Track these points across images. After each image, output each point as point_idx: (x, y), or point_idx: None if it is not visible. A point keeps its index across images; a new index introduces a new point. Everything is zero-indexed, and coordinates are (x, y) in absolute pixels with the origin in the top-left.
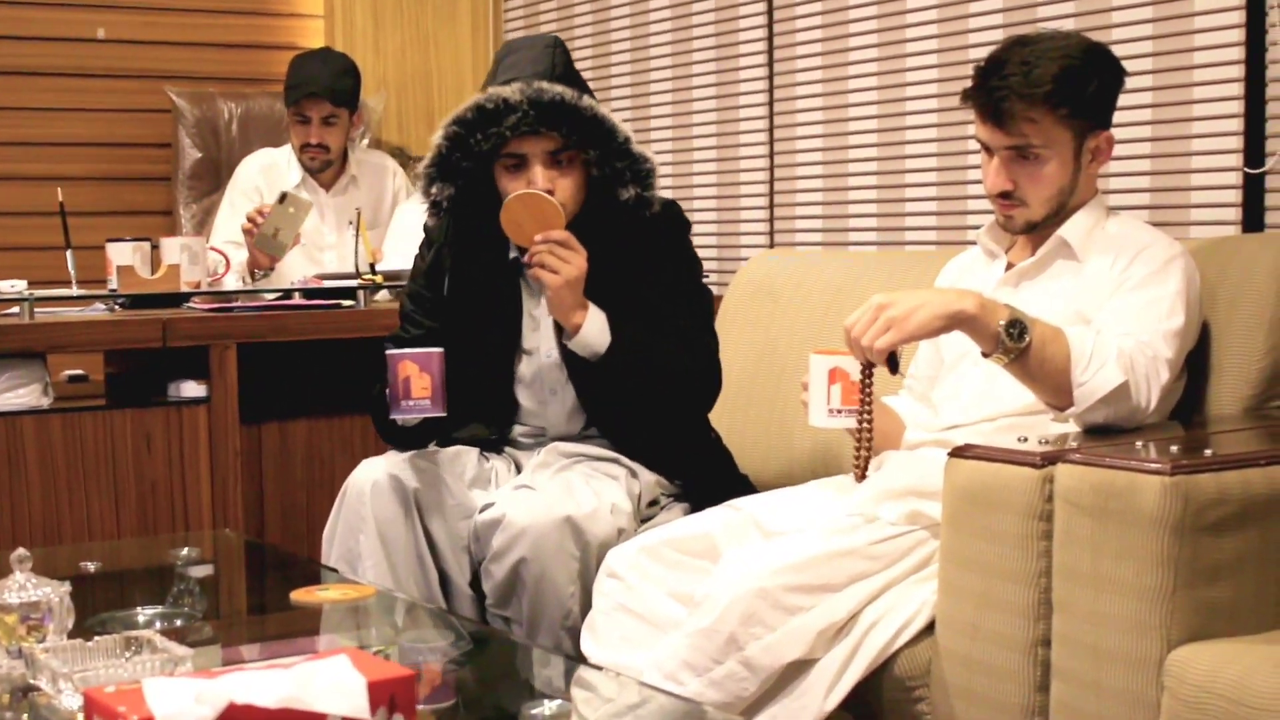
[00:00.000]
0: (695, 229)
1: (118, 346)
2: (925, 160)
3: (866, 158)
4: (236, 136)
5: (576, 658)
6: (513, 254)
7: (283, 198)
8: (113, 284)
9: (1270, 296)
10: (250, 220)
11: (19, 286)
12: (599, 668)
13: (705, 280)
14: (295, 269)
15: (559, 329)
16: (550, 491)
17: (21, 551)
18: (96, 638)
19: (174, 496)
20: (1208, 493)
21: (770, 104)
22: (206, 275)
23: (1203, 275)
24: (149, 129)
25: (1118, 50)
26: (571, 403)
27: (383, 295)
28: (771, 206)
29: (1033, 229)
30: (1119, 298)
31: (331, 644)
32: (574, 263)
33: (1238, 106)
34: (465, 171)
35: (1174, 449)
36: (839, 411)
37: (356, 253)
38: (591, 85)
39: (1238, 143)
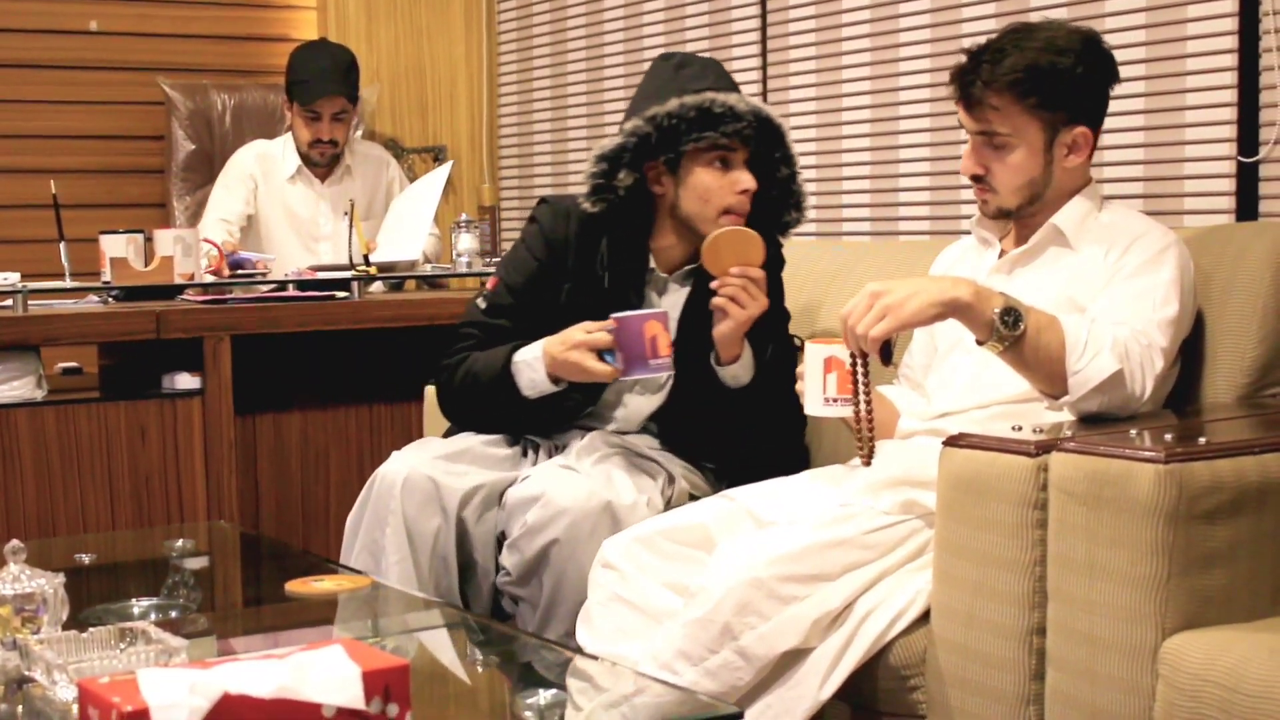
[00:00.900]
0: None
1: (112, 339)
2: (918, 150)
3: (860, 147)
4: (230, 128)
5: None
6: (651, 264)
7: None
8: (106, 276)
9: (1264, 285)
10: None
11: (12, 279)
12: (595, 658)
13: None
14: (290, 260)
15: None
16: (593, 476)
17: (16, 543)
18: (91, 629)
19: (168, 488)
20: (1202, 481)
21: (764, 94)
22: (200, 267)
23: (1196, 264)
24: (142, 121)
25: (1110, 39)
26: (657, 405)
27: (377, 286)
28: None
29: (1006, 216)
30: (1113, 287)
31: (326, 634)
32: (759, 301)
33: (1231, 95)
34: (640, 167)
35: (1168, 437)
36: (835, 400)
37: (351, 244)
38: (584, 80)
39: (1231, 131)
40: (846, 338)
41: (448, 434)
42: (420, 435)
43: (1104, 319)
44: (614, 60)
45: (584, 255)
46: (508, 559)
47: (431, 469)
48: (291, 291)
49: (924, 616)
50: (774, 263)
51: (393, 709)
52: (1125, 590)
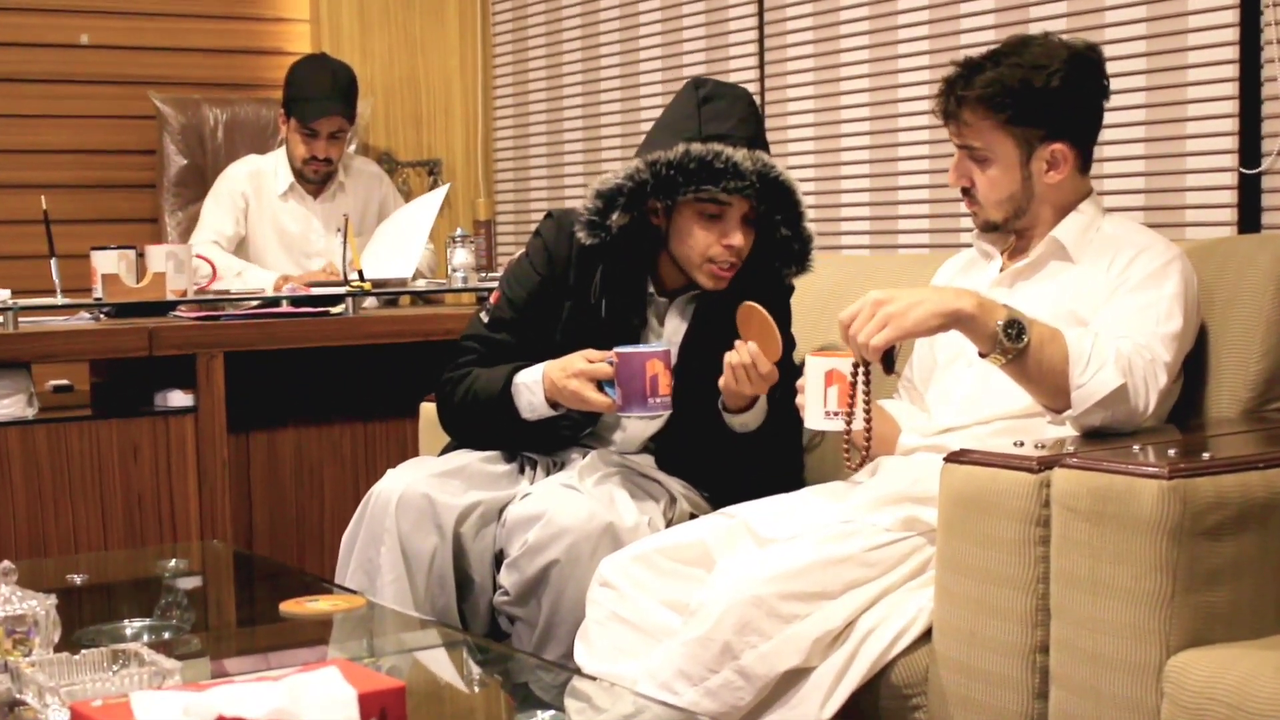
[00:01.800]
0: None
1: (103, 356)
2: (918, 162)
3: (859, 160)
4: (222, 143)
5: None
6: (650, 290)
7: None
8: (98, 293)
9: (1267, 298)
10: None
11: (3, 296)
12: (593, 678)
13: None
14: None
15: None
16: (595, 497)
17: (7, 564)
18: (83, 651)
19: (161, 507)
20: (1206, 496)
21: (761, 105)
22: (192, 283)
23: (1199, 277)
24: (134, 136)
25: (1110, 50)
26: (657, 428)
27: (370, 302)
28: None
29: (995, 229)
30: (1116, 300)
31: (321, 655)
32: (757, 387)
33: (1232, 106)
34: (639, 205)
35: (1172, 452)
36: (835, 414)
37: (344, 259)
38: (580, 91)
39: (1233, 143)
40: (848, 344)
41: (445, 450)
42: (415, 452)
43: (1106, 333)
44: (610, 72)
45: (584, 276)
46: (506, 578)
47: (427, 486)
48: (285, 308)
49: (926, 635)
50: (780, 290)
51: None
52: (1129, 607)
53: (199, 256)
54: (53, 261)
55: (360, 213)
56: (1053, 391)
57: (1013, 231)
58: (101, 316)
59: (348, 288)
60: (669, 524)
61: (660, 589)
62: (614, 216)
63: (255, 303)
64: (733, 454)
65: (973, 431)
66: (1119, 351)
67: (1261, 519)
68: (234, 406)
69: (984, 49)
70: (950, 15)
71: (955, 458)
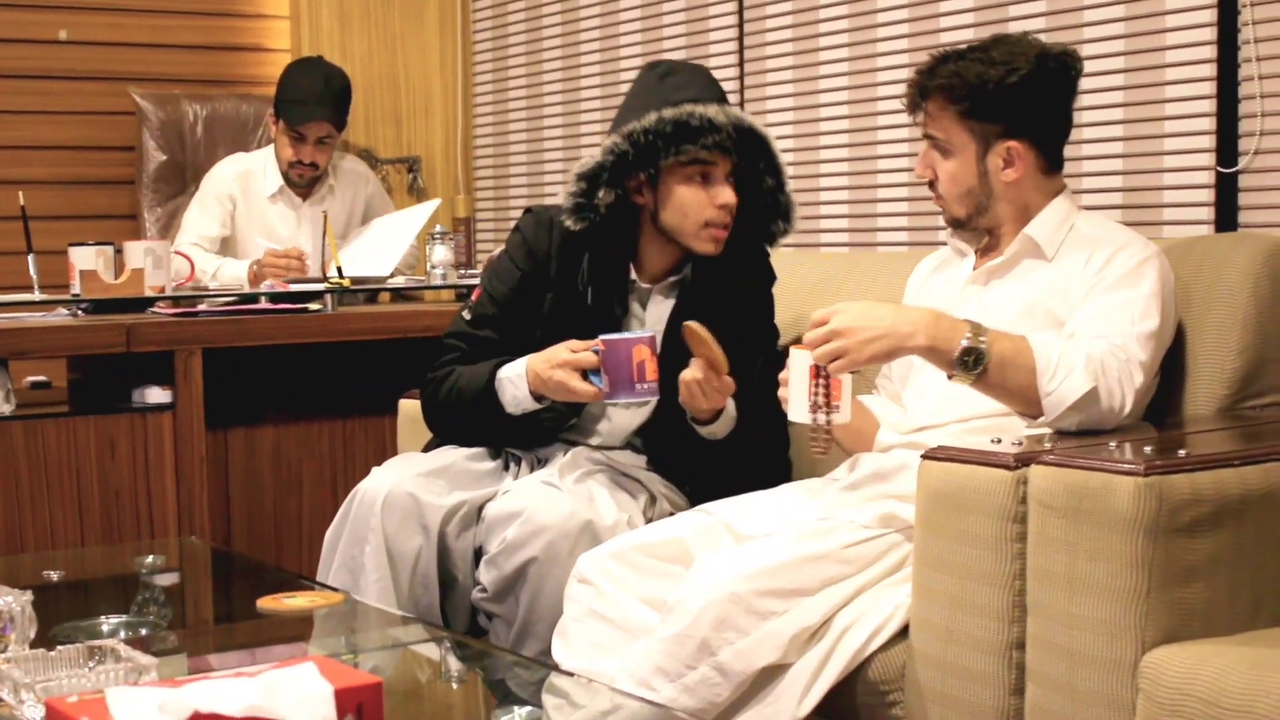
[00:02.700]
0: None
1: (81, 352)
2: (897, 160)
3: (838, 158)
4: (202, 139)
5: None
6: (633, 277)
7: None
8: (75, 289)
9: (1243, 296)
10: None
11: None
12: (571, 674)
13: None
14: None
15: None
16: (575, 495)
17: None
18: (60, 647)
19: (139, 504)
20: (1182, 493)
21: (741, 104)
22: (171, 280)
23: (1176, 275)
24: (113, 132)
25: (1088, 49)
26: (642, 420)
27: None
28: None
29: (960, 225)
30: (1092, 299)
31: (299, 652)
32: (713, 401)
33: (1210, 105)
34: (621, 182)
35: (1148, 449)
36: (821, 407)
37: (324, 255)
38: (560, 89)
39: (1210, 141)
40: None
41: (428, 447)
42: (394, 450)
43: (1083, 332)
44: (590, 69)
45: (567, 267)
46: (485, 575)
47: (413, 486)
48: (264, 304)
49: (903, 631)
50: (763, 277)
51: None
52: (1105, 604)
53: (177, 253)
54: (30, 257)
55: (348, 213)
56: (1025, 401)
57: (980, 229)
58: (79, 313)
59: (326, 284)
60: (648, 522)
61: (638, 585)
62: (600, 195)
63: (233, 299)
64: (711, 458)
65: (950, 430)
66: (1089, 355)
67: (1237, 516)
68: (212, 403)
69: (962, 46)
70: (930, 14)
71: (932, 454)
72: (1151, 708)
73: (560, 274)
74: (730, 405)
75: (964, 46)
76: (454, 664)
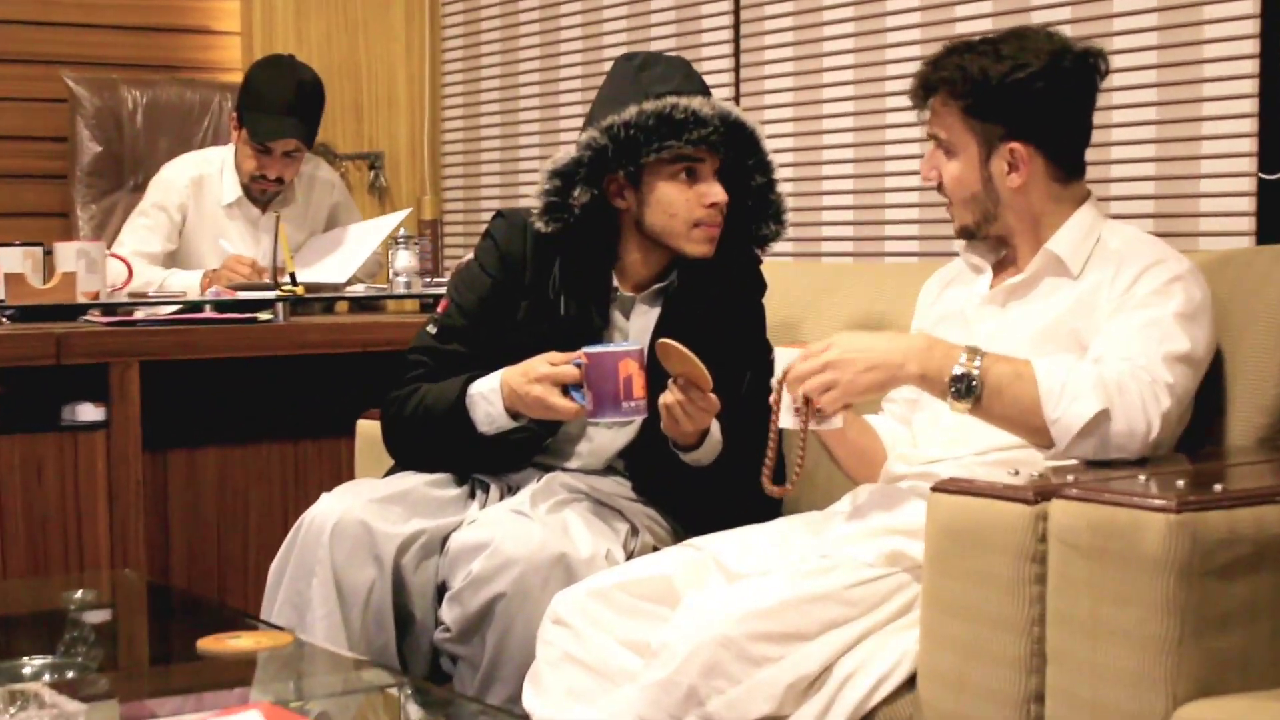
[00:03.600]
0: None
1: (6, 364)
2: (907, 162)
3: (842, 159)
4: (142, 129)
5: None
6: (615, 283)
7: None
8: (0, 294)
9: None
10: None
11: None
12: None
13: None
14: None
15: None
16: (548, 524)
17: None
18: None
19: (68, 532)
20: (1218, 532)
21: (736, 99)
22: (106, 285)
23: (1213, 292)
24: (42, 120)
25: (1119, 42)
26: (626, 441)
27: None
28: None
29: (970, 235)
30: (1118, 318)
31: (243, 698)
32: (697, 421)
33: (1252, 105)
34: (599, 182)
35: (1180, 484)
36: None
37: (275, 259)
38: (538, 79)
39: (1251, 145)
40: (788, 386)
41: (389, 473)
42: (351, 474)
43: (1107, 355)
44: (571, 59)
45: (542, 273)
46: (448, 613)
47: (365, 513)
48: (208, 313)
49: (910, 681)
50: (753, 285)
51: None
52: (1133, 653)
53: (113, 255)
54: None
55: (309, 223)
56: (1031, 430)
57: (992, 238)
58: (3, 320)
59: (278, 292)
60: (629, 557)
61: (619, 627)
62: (575, 194)
63: (175, 307)
64: (698, 486)
65: (964, 462)
66: (1101, 376)
67: (1278, 557)
68: (150, 422)
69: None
70: (944, 2)
71: (944, 487)
72: None
73: (535, 281)
74: (715, 429)
75: (978, 38)
76: (413, 712)
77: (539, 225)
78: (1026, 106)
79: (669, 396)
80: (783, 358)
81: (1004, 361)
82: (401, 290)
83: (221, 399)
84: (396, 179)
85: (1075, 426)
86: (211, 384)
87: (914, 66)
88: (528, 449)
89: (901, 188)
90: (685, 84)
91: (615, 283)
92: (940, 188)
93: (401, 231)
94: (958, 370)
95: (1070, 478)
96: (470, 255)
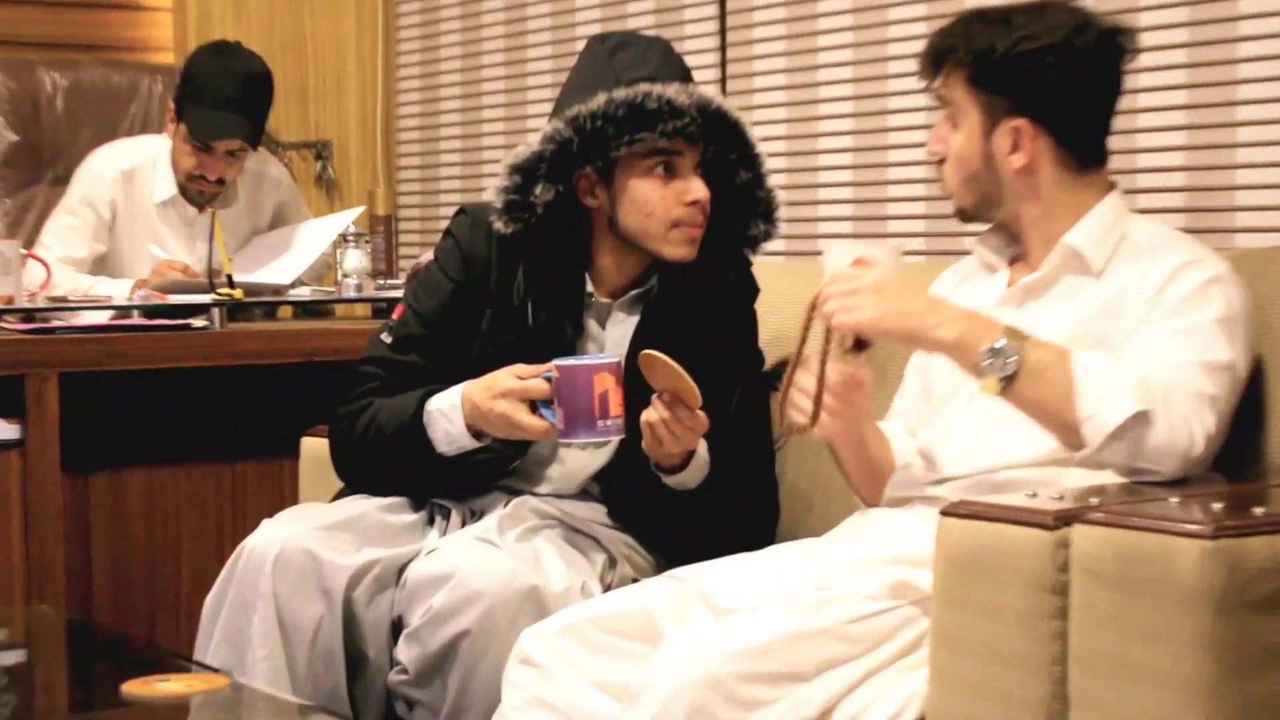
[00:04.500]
0: None
1: None
2: (912, 150)
3: (840, 148)
4: (63, 116)
5: None
6: (589, 289)
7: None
8: None
9: None
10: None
11: None
12: None
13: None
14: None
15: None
16: (517, 554)
17: None
18: None
19: None
20: (1259, 560)
21: (723, 84)
22: (23, 288)
23: (1251, 294)
24: None
25: (1146, 18)
26: (601, 463)
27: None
28: None
29: (968, 219)
30: (1149, 326)
31: None
32: (684, 441)
33: None
34: (566, 177)
35: (1217, 506)
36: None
37: (210, 259)
38: (503, 61)
39: None
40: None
41: (338, 497)
42: (295, 499)
43: (1143, 363)
44: (541, 38)
45: (507, 277)
46: (404, 652)
47: (311, 541)
48: (136, 319)
49: None
50: (744, 290)
51: None
52: (1165, 695)
53: (31, 255)
54: None
55: (253, 222)
56: (1061, 424)
57: (1003, 232)
58: None
59: (214, 296)
60: (607, 589)
61: (594, 668)
62: (537, 191)
63: (99, 313)
64: (682, 512)
65: (977, 481)
66: (1145, 377)
67: None
68: (70, 440)
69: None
70: None
71: (954, 510)
72: None
73: (500, 286)
74: (702, 449)
75: (994, 6)
76: None
77: (498, 225)
78: (1034, 82)
79: (652, 414)
80: (832, 260)
81: (1046, 346)
82: (351, 294)
83: (150, 415)
84: (346, 170)
85: (1110, 425)
86: (139, 398)
87: (919, 44)
88: (492, 472)
89: (906, 179)
90: (662, 68)
91: (589, 288)
92: (941, 165)
93: (351, 228)
94: (997, 343)
95: (1094, 500)
96: (429, 255)
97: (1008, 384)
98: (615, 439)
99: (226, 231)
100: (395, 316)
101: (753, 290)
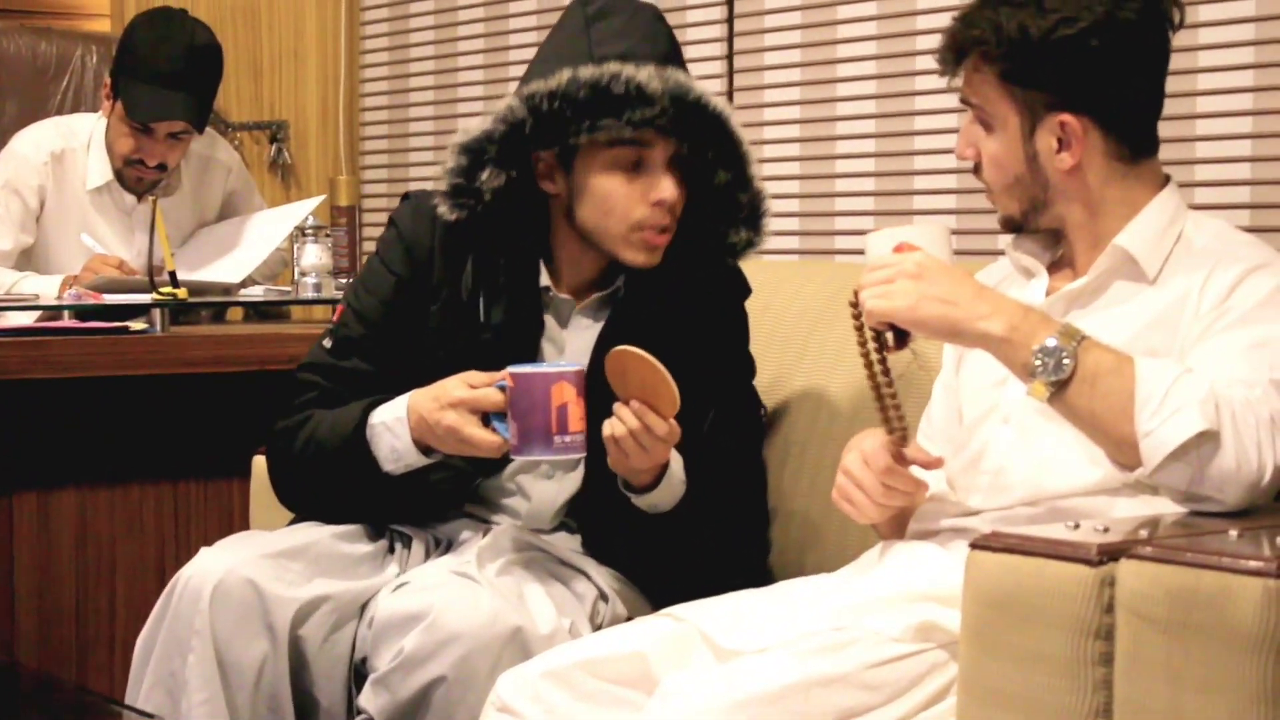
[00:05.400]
0: None
1: None
2: (940, 138)
3: (861, 133)
4: None
5: None
6: (545, 283)
7: None
8: None
9: None
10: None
11: None
12: None
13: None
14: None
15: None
16: (499, 591)
17: None
18: None
19: None
20: None
21: (730, 72)
22: None
23: None
24: None
25: (1206, 12)
26: (571, 492)
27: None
28: None
29: (1017, 228)
30: (1213, 338)
31: None
32: (652, 458)
33: None
34: (521, 160)
35: None
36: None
37: (150, 254)
38: (481, 29)
39: None
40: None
41: (293, 524)
42: (246, 523)
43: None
44: (523, 6)
45: (456, 269)
46: (371, 700)
47: (254, 570)
48: (67, 321)
49: None
50: (731, 290)
51: None
52: None
53: None
54: None
55: (199, 213)
56: (1117, 440)
57: (1044, 232)
58: None
59: (155, 295)
60: (597, 630)
61: (581, 717)
62: (484, 176)
63: (26, 314)
64: (661, 541)
65: (1013, 511)
66: (1213, 392)
67: None
68: None
69: None
70: None
71: (985, 543)
72: None
73: (448, 279)
74: (676, 464)
75: None
76: None
77: (442, 210)
78: (1078, 70)
79: (618, 426)
80: (872, 248)
81: (1105, 350)
82: (310, 294)
83: (83, 428)
84: (304, 155)
85: (1172, 443)
86: (70, 409)
87: (948, 17)
88: (454, 493)
89: (933, 169)
90: (643, 44)
91: (546, 281)
92: (977, 170)
93: (310, 220)
94: (1051, 342)
95: (1144, 532)
96: (373, 250)
97: (1059, 389)
98: (574, 457)
99: (169, 222)
100: (335, 318)
101: (743, 289)
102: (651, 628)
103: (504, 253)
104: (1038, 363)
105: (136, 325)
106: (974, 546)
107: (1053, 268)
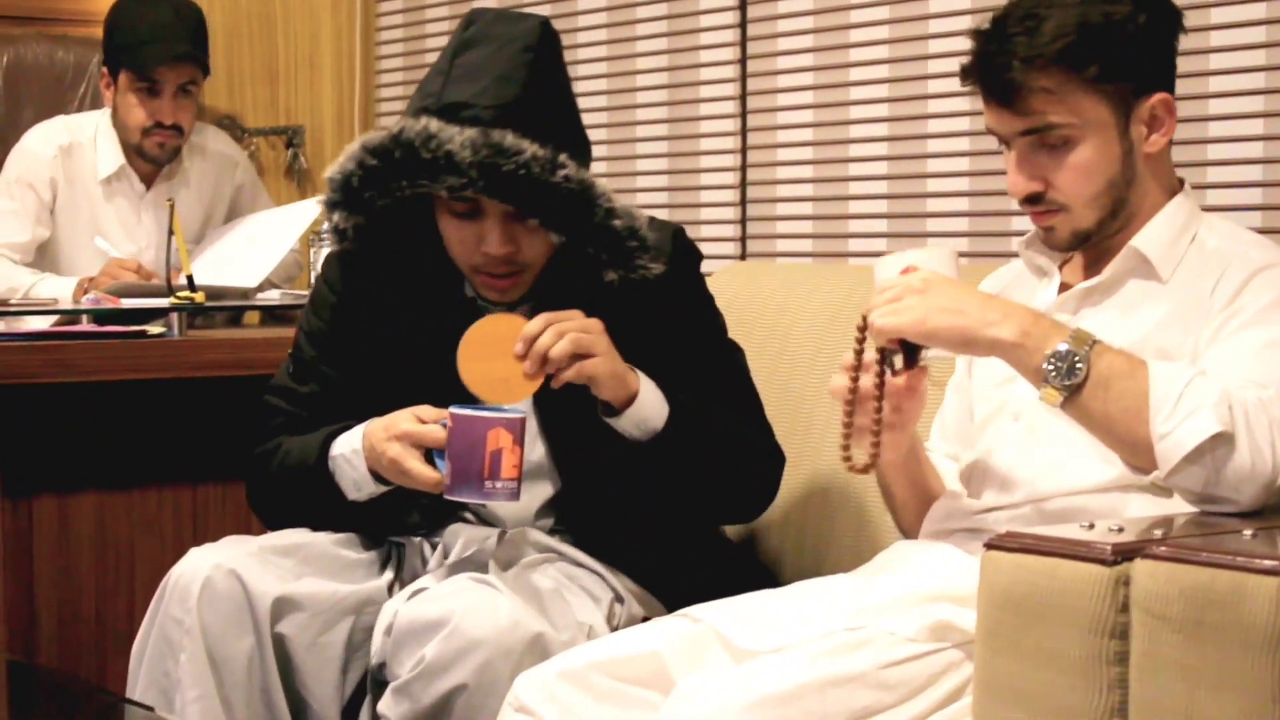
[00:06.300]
0: None
1: None
2: (954, 140)
3: (874, 137)
4: (1, 94)
5: None
6: (470, 293)
7: None
8: None
9: None
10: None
11: None
12: None
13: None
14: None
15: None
16: (517, 595)
17: None
18: None
19: None
20: None
21: (743, 63)
22: None
23: None
24: None
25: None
26: (549, 494)
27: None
28: (744, 203)
29: (1085, 241)
30: (1225, 339)
31: None
32: (595, 333)
33: None
34: (373, 204)
35: None
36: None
37: (169, 258)
38: None
39: None
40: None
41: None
42: (263, 528)
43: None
44: (539, 10)
45: (377, 290)
46: (393, 708)
47: (241, 565)
48: (85, 325)
49: None
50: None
51: None
52: None
53: None
54: None
55: (205, 208)
56: (1132, 444)
57: (1101, 240)
58: None
59: (172, 299)
60: (613, 632)
61: (598, 717)
62: (335, 217)
63: (44, 318)
64: (661, 471)
65: (1024, 511)
66: (1226, 392)
67: None
68: (11, 461)
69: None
70: None
71: (999, 543)
72: None
73: (379, 298)
74: (647, 384)
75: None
76: None
77: (327, 243)
78: (1150, 48)
79: (558, 352)
80: (880, 273)
81: (1118, 353)
82: None
83: (101, 432)
84: (320, 160)
85: (1187, 445)
86: (89, 414)
87: (962, 22)
88: (436, 503)
89: (946, 172)
90: (487, 91)
91: (472, 293)
92: (1039, 198)
93: (326, 225)
94: (1063, 346)
95: (1159, 532)
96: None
97: (1072, 394)
98: (505, 503)
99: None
100: (294, 338)
101: (693, 256)
102: (667, 628)
103: (421, 268)
104: (1050, 368)
105: (154, 329)
106: (989, 546)
107: (1064, 266)
